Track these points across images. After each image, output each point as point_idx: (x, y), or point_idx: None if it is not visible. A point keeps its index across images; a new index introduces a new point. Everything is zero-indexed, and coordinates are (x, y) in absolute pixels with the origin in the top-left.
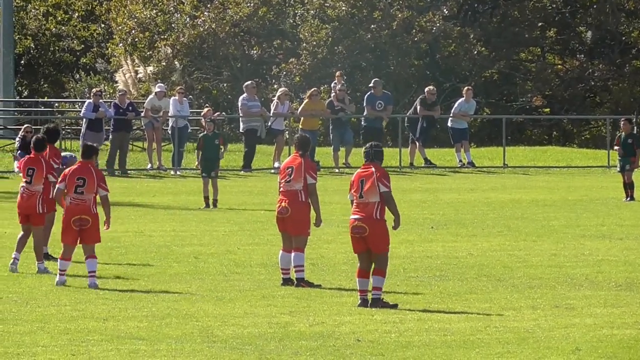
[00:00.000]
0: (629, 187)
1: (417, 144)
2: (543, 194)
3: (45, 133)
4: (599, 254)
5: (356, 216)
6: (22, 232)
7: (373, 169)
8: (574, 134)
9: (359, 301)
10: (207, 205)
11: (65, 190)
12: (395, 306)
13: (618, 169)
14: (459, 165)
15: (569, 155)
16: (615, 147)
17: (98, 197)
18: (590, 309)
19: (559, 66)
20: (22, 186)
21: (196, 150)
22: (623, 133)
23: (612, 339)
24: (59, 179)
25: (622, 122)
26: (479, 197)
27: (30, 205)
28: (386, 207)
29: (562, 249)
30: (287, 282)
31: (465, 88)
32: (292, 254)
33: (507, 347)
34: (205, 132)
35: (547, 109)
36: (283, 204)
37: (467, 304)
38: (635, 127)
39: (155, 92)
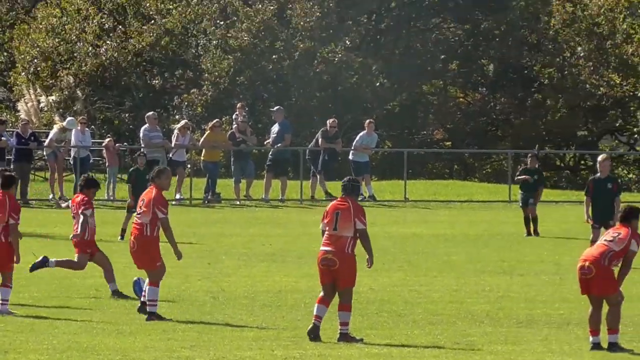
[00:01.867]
0: (532, 221)
1: (318, 177)
2: (444, 228)
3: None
4: (499, 290)
5: (327, 248)
6: None
7: (350, 204)
8: (476, 168)
9: (311, 326)
10: (122, 238)
11: None
12: (361, 340)
13: (520, 204)
14: (360, 199)
15: (470, 189)
16: (521, 177)
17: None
18: (491, 346)
19: (461, 99)
20: None
21: (127, 184)
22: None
23: None
24: None
25: (529, 158)
26: (379, 231)
27: None
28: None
29: (463, 284)
30: (143, 306)
31: (367, 121)
32: (146, 287)
33: None
34: (137, 166)
35: (449, 142)
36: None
37: (367, 339)
38: (539, 162)
39: (66, 127)
